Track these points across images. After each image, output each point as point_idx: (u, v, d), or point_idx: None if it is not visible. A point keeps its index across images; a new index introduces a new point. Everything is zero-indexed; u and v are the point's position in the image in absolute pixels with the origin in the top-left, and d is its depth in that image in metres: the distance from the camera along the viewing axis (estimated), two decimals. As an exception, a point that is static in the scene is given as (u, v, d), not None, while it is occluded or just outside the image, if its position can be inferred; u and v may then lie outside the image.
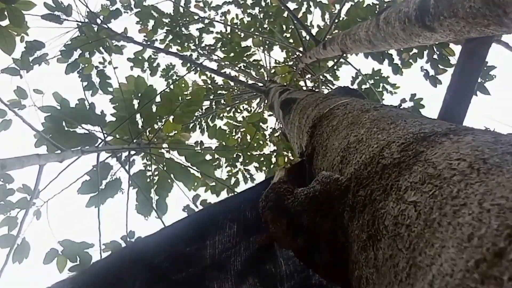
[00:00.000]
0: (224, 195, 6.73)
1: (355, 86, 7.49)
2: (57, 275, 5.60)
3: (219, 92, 8.81)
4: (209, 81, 8.76)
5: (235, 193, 1.46)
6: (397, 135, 0.87)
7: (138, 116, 5.78)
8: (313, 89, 6.96)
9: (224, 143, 6.62)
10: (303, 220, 0.95)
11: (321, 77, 7.02)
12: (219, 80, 8.93)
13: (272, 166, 7.08)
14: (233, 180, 7.64)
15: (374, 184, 0.77)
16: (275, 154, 7.23)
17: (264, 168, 7.32)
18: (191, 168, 6.09)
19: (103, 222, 6.03)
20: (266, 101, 7.92)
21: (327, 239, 0.90)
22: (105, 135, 4.80)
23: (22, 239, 5.51)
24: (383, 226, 0.67)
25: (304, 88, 6.94)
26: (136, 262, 1.32)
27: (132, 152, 5.72)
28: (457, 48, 6.09)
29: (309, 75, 7.13)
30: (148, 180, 6.20)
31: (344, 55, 3.75)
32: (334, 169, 1.09)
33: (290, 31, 7.31)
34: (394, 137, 0.87)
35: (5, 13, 3.99)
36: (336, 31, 6.33)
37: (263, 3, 7.43)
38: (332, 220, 0.90)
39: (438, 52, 6.08)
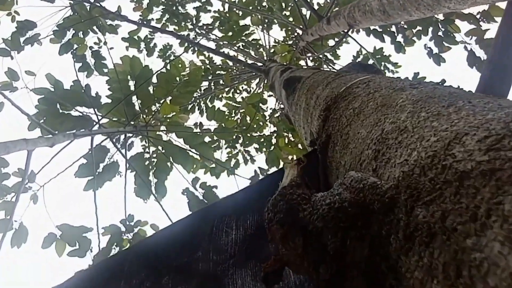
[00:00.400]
0: (224, 177, 6.47)
1: (356, 65, 7.13)
2: (57, 260, 5.37)
3: (217, 72, 8.46)
4: (207, 61, 8.41)
5: (235, 191, 1.16)
6: (469, 123, 0.57)
7: (134, 98, 5.47)
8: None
9: (223, 124, 6.32)
10: (327, 241, 0.66)
11: (321, 55, 6.67)
12: (217, 60, 8.58)
13: (272, 147, 6.79)
14: (233, 161, 7.38)
15: (448, 202, 0.48)
16: (275, 135, 6.94)
17: (264, 149, 7.04)
18: (190, 150, 5.82)
19: (103, 206, 5.80)
20: (265, 81, 7.59)
21: (364, 270, 0.62)
22: (99, 118, 4.50)
23: (20, 223, 5.28)
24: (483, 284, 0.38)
25: (305, 67, 6.60)
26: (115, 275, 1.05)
27: (129, 135, 5.43)
28: (462, 25, 5.76)
29: (310, 54, 6.78)
30: (147, 162, 5.93)
31: (351, 30, 3.41)
32: (363, 166, 0.80)
33: (289, 8, 6.93)
34: (465, 126, 0.57)
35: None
36: (337, 8, 5.96)
37: (261, -20, 7.04)
38: (370, 244, 0.61)
39: (443, 29, 5.73)
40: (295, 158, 1.08)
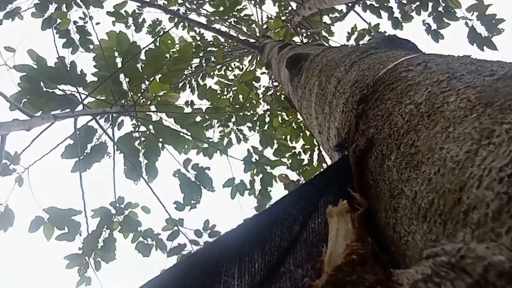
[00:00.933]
0: (217, 157, 6.09)
1: (351, 43, 6.70)
2: (45, 244, 5.04)
3: (208, 49, 7.96)
4: (198, 38, 7.90)
5: (238, 225, 0.77)
6: None
7: (122, 76, 5.02)
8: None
9: (215, 103, 5.90)
10: None
11: (318, 32, 6.21)
12: (208, 36, 8.07)
13: (265, 126, 6.41)
14: (225, 140, 7.00)
15: None
16: (268, 113, 6.55)
17: (257, 128, 6.67)
18: (181, 131, 5.43)
19: (91, 190, 5.42)
20: (258, 58, 7.14)
21: None
22: (82, 98, 4.07)
23: (5, 207, 4.93)
24: None
25: (307, 43, 6.15)
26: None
27: (116, 115, 5.01)
28: (463, 0, 5.34)
29: (304, 30, 6.32)
30: (138, 142, 5.54)
31: (357, 2, 2.98)
32: (476, 223, 0.43)
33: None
34: None
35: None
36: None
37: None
38: None
39: (443, 4, 5.31)
40: (344, 202, 0.71)
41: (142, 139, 5.48)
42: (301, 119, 5.77)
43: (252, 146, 6.46)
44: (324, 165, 5.88)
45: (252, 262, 0.80)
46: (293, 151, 6.12)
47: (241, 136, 6.99)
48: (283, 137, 6.04)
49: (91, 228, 4.99)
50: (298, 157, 6.11)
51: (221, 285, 0.77)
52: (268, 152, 5.91)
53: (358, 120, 0.88)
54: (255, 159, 6.01)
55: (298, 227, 0.86)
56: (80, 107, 4.37)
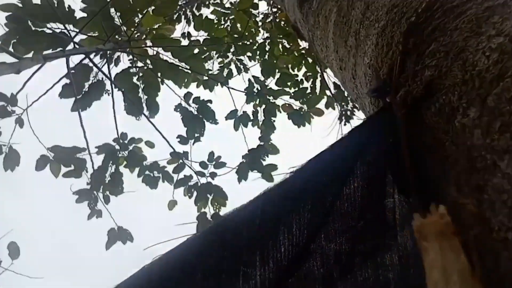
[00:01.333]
0: (219, 91, 5.84)
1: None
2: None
3: (202, -25, 7.38)
4: (190, -37, 7.28)
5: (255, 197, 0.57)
6: None
7: (113, 11, 4.64)
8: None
9: (212, 34, 5.54)
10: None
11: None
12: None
13: (266, 55, 6.08)
14: (225, 71, 6.70)
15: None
16: (268, 41, 6.19)
17: (257, 57, 6.35)
18: (179, 64, 5.15)
19: (94, 130, 5.25)
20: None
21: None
22: (71, 36, 3.75)
23: (9, 147, 4.84)
24: None
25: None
26: None
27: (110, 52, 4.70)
28: None
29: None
30: (137, 77, 5.27)
31: None
32: None
33: None
34: None
35: None
36: None
37: None
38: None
39: None
40: (442, 212, 0.50)
41: (140, 74, 5.21)
42: (303, 46, 5.44)
43: (253, 76, 6.18)
44: (328, 93, 5.65)
45: (277, 247, 0.63)
46: (295, 79, 5.86)
47: (241, 66, 6.69)
48: (285, 65, 5.74)
49: (96, 165, 4.91)
50: (301, 85, 5.87)
51: (240, 279, 0.60)
52: (271, 83, 5.65)
53: (403, 57, 0.66)
54: (257, 89, 5.78)
55: (330, 198, 0.68)
56: (71, 46, 4.06)
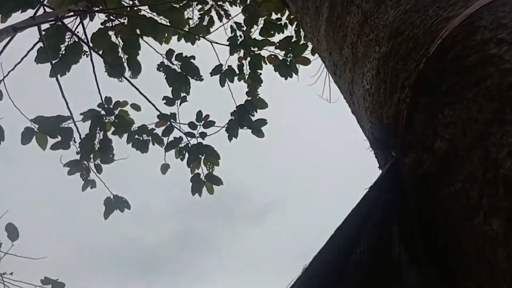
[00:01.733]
0: (200, 44, 5.60)
1: None
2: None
3: None
4: None
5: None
6: None
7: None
8: None
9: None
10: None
11: None
12: None
13: (248, 1, 5.79)
14: (206, 19, 6.41)
15: None
16: (250, -16, 5.86)
17: (238, 1, 6.05)
18: (158, 18, 4.91)
19: (76, 97, 5.06)
20: None
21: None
22: None
23: (-9, 122, 4.66)
24: None
25: None
26: None
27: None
28: None
29: None
30: (113, 33, 5.02)
31: None
32: None
33: None
34: None
35: None
36: None
37: None
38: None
39: None
40: None
41: (118, 33, 4.97)
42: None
43: (235, 22, 5.95)
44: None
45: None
46: (278, 23, 5.65)
47: (222, 13, 6.40)
48: (268, 12, 5.50)
49: (83, 134, 4.80)
50: (285, 29, 5.67)
51: None
52: (254, 33, 5.44)
53: (412, 112, 0.59)
54: (240, 36, 5.57)
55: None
56: (41, 11, 3.80)
